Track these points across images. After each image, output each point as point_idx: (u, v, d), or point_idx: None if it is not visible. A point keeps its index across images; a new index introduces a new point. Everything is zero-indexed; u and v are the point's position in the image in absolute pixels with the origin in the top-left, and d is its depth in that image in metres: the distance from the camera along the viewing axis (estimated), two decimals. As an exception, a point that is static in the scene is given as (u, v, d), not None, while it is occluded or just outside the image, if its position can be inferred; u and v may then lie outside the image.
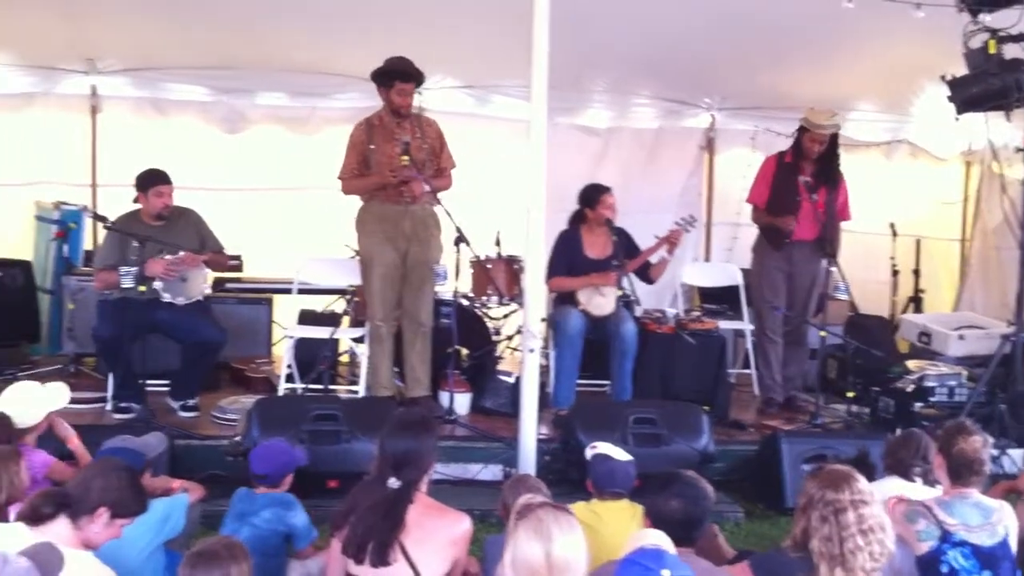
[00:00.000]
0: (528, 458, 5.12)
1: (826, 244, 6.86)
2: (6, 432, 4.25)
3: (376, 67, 6.28)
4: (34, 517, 3.14)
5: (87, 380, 6.73)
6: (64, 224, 7.34)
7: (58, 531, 3.13)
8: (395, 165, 6.19)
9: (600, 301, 6.61)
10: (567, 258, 6.77)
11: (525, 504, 3.00)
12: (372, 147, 6.29)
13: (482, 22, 6.91)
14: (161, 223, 6.20)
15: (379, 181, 6.26)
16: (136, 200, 6.22)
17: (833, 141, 6.97)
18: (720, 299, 8.24)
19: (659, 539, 2.98)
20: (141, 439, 4.38)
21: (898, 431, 4.71)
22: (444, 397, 6.40)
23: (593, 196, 6.80)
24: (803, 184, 6.81)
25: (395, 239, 6.34)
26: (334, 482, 4.98)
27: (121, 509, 3.34)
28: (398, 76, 6.24)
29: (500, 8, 6.11)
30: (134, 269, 5.90)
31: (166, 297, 6.08)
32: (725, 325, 7.37)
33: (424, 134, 6.42)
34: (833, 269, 6.82)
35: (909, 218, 9.28)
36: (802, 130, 6.93)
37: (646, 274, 6.85)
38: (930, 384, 6.58)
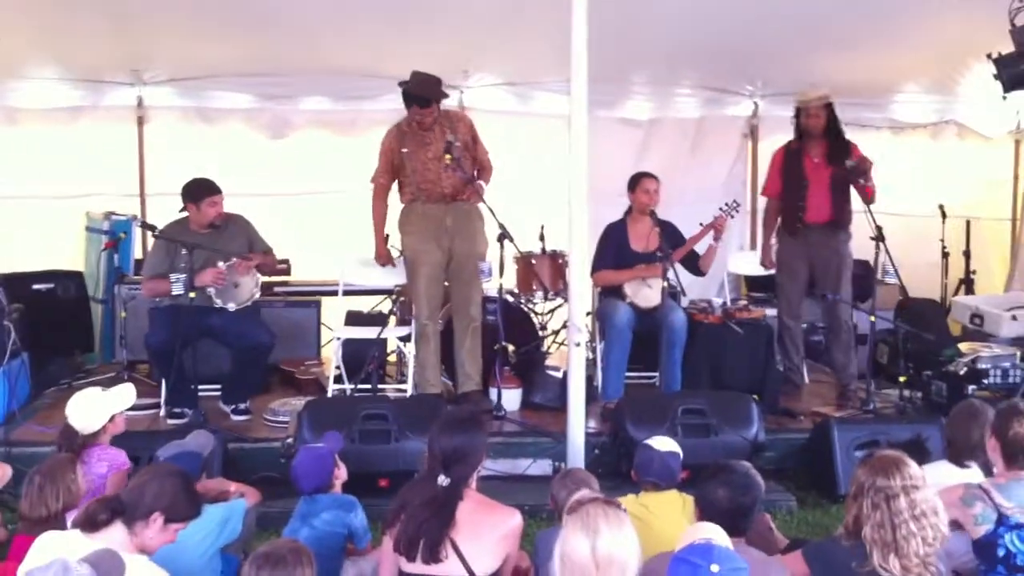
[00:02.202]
0: (577, 452, 5.12)
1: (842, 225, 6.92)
2: (71, 440, 4.36)
3: (404, 80, 6.31)
4: (90, 524, 3.19)
5: (141, 387, 6.75)
6: (114, 234, 7.47)
7: (113, 537, 3.18)
8: (433, 169, 6.27)
9: (647, 293, 6.60)
10: (613, 251, 6.77)
11: (577, 500, 3.01)
12: (405, 151, 6.33)
13: (521, 19, 6.91)
14: (210, 230, 6.28)
15: (378, 240, 6.51)
16: (183, 209, 6.30)
17: (831, 117, 6.95)
18: (767, 287, 8.16)
19: (712, 532, 2.97)
20: (189, 439, 4.44)
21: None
22: (493, 393, 6.42)
23: (633, 181, 6.82)
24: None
25: (439, 236, 6.38)
26: (384, 481, 5.02)
27: (175, 514, 3.37)
28: (416, 102, 6.27)
29: (539, 4, 6.11)
30: (183, 276, 5.98)
31: (218, 303, 6.15)
32: (772, 313, 7.30)
33: (456, 130, 6.43)
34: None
35: (958, 199, 9.15)
36: (797, 114, 7.04)
37: (695, 265, 6.83)
38: (983, 366, 6.50)
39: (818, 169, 6.93)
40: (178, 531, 3.43)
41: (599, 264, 6.70)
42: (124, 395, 4.61)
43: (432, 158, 6.32)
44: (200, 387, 6.18)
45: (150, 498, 3.32)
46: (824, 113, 6.93)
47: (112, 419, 4.51)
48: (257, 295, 6.36)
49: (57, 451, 4.36)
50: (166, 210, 6.66)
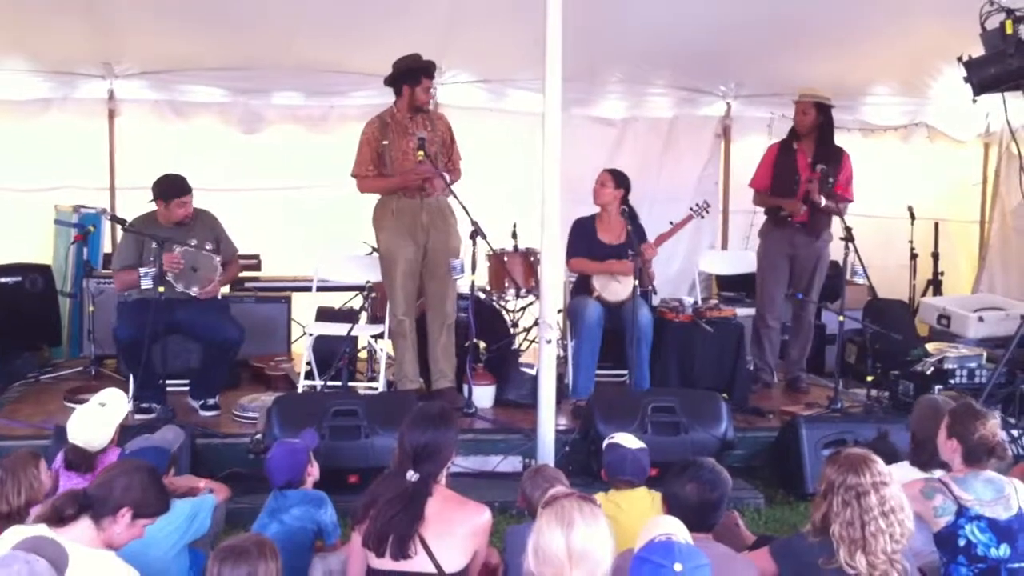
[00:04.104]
0: (547, 449, 5.13)
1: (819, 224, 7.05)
2: (87, 460, 4.30)
3: (393, 67, 6.33)
4: (56, 518, 3.17)
5: (108, 382, 6.76)
6: (83, 227, 7.40)
7: (80, 532, 3.17)
8: (411, 161, 6.24)
9: (616, 287, 6.65)
10: (584, 243, 6.83)
11: (552, 494, 3.02)
12: (386, 143, 6.33)
13: (496, 16, 6.91)
14: (178, 225, 6.26)
15: (400, 183, 6.31)
16: (152, 201, 6.26)
17: (827, 119, 7.06)
18: (738, 286, 8.27)
19: (670, 526, 2.97)
20: (158, 434, 4.42)
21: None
22: (465, 390, 6.42)
23: None
24: (820, 171, 6.88)
25: (414, 232, 6.38)
26: (354, 477, 5.02)
27: (143, 509, 3.35)
28: (424, 73, 6.31)
29: (514, 2, 6.12)
30: (153, 270, 5.94)
31: (179, 287, 6.11)
32: (743, 312, 7.36)
33: (435, 128, 6.48)
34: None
35: (927, 201, 9.24)
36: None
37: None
38: (950, 366, 6.57)
39: (808, 170, 7.01)
40: (146, 526, 3.41)
41: (572, 252, 6.77)
42: (120, 403, 4.55)
43: (413, 150, 6.32)
44: (168, 382, 6.14)
45: (118, 493, 3.30)
46: (813, 111, 7.03)
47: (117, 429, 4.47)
48: (217, 277, 6.31)
49: (72, 470, 4.29)
50: (136, 204, 6.60)
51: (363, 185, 6.45)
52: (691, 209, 6.94)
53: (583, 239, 6.84)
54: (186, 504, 3.88)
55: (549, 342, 5.19)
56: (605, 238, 6.85)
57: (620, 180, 6.85)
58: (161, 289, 5.92)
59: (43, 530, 3.11)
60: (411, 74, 6.31)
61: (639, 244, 6.47)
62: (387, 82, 6.42)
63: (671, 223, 6.89)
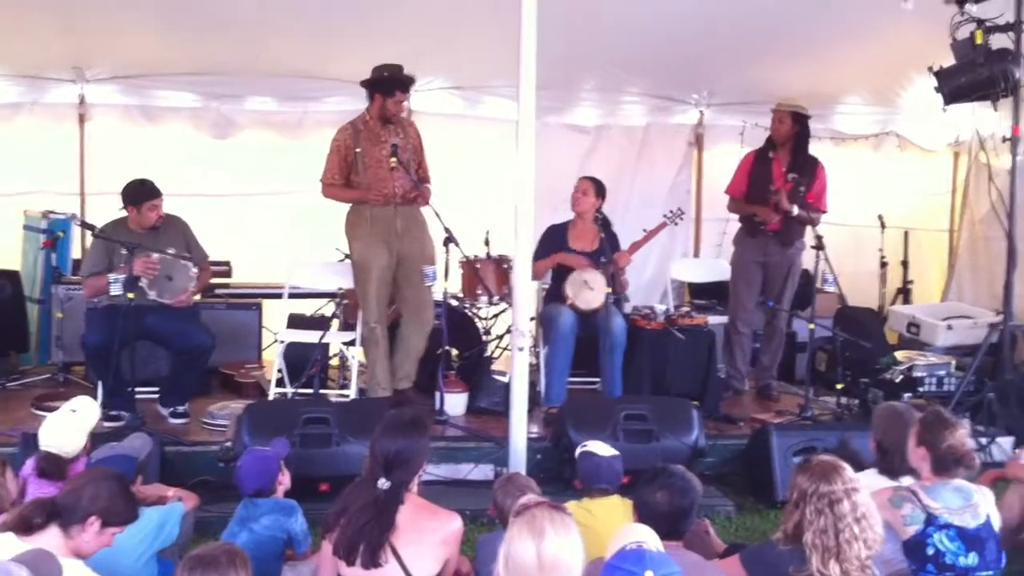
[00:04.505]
0: (519, 457, 5.12)
1: (791, 233, 7.12)
2: (59, 467, 4.23)
3: (372, 72, 6.33)
4: (25, 527, 3.15)
5: (76, 389, 6.71)
6: (52, 233, 7.33)
7: (49, 540, 3.15)
8: (384, 168, 6.25)
9: (588, 295, 6.64)
10: (552, 248, 6.84)
11: (523, 503, 3.02)
12: (359, 151, 6.31)
13: (471, 23, 6.92)
14: (148, 231, 6.21)
15: (361, 197, 6.31)
16: (124, 208, 6.22)
17: (803, 129, 7.12)
18: (710, 294, 8.30)
19: (641, 534, 2.97)
20: (126, 442, 4.38)
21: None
22: (437, 397, 6.41)
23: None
24: (792, 179, 6.92)
25: (389, 240, 6.37)
26: (325, 485, 4.98)
27: (112, 518, 3.34)
28: (399, 86, 6.31)
29: (489, 9, 6.12)
30: (122, 276, 5.90)
31: (152, 295, 6.07)
32: (714, 320, 7.40)
33: (407, 134, 6.49)
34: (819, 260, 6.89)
35: (897, 210, 9.31)
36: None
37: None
38: (919, 374, 6.64)
39: (782, 178, 7.06)
40: (115, 535, 3.39)
41: (536, 257, 6.74)
42: (91, 409, 4.51)
43: (385, 157, 6.31)
44: (138, 389, 6.08)
45: (87, 501, 3.29)
46: (789, 121, 7.08)
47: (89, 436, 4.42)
48: (192, 288, 6.27)
49: (45, 477, 4.22)
50: (106, 209, 6.56)
51: (327, 192, 6.45)
52: (665, 216, 6.99)
53: (553, 246, 6.85)
54: (155, 513, 3.85)
55: (521, 349, 5.19)
56: (577, 245, 6.87)
57: (600, 189, 6.88)
58: (131, 295, 5.87)
59: (13, 539, 3.08)
60: (386, 85, 6.30)
61: (612, 252, 6.48)
62: (363, 85, 6.41)
63: (644, 230, 6.91)
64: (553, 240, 6.89)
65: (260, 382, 6.93)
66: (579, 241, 6.87)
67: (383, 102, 6.31)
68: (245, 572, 3.04)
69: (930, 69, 6.48)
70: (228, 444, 5.34)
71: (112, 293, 5.94)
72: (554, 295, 6.88)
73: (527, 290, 5.60)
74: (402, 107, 6.43)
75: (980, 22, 6.17)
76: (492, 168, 8.12)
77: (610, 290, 6.46)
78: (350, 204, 6.46)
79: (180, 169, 7.73)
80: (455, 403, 6.48)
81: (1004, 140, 6.53)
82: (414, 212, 6.45)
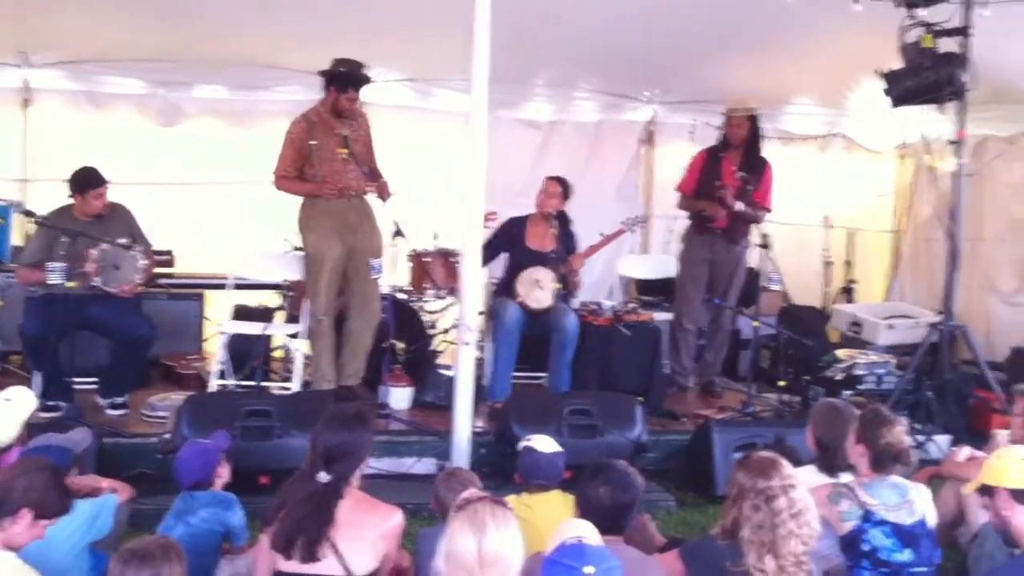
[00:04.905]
0: (462, 451, 5.12)
1: (738, 231, 7.19)
2: None
3: (331, 64, 6.29)
4: (-45, 519, 3.09)
5: (13, 379, 6.57)
6: (-10, 220, 7.20)
7: (-21, 533, 3.09)
8: (339, 160, 6.23)
9: (539, 295, 6.65)
10: (506, 241, 6.84)
11: (465, 498, 3.01)
12: (313, 143, 6.27)
13: (425, 15, 6.88)
14: (93, 218, 6.12)
15: (315, 190, 6.27)
16: (72, 196, 6.13)
17: (754, 129, 7.20)
18: (657, 291, 8.34)
19: (581, 530, 2.98)
20: (65, 435, 4.32)
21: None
22: (382, 391, 6.38)
23: (543, 182, 6.96)
24: (740, 178, 6.96)
25: (342, 232, 6.35)
26: (265, 479, 4.92)
27: (44, 510, 3.29)
28: (354, 84, 6.28)
29: (443, 2, 6.09)
30: (62, 264, 5.80)
31: (96, 281, 5.95)
32: (661, 317, 7.45)
33: (360, 126, 6.47)
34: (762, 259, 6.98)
35: (843, 210, 9.42)
36: (726, 121, 7.27)
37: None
38: (859, 372, 6.75)
39: (732, 177, 7.11)
40: (47, 527, 3.34)
41: (488, 246, 6.68)
42: (27, 399, 4.42)
43: (339, 149, 6.27)
44: (76, 380, 6.01)
45: (19, 493, 3.23)
46: (747, 124, 7.17)
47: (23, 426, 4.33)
48: (137, 279, 6.18)
49: None
50: (50, 197, 6.46)
51: (280, 184, 6.39)
52: (623, 223, 7.08)
53: (507, 241, 6.85)
54: (87, 504, 3.80)
55: (468, 344, 5.18)
56: (534, 244, 6.86)
57: (567, 191, 6.90)
58: (71, 284, 5.77)
59: None
60: (342, 80, 6.27)
61: (566, 253, 6.50)
62: (321, 74, 6.37)
63: (602, 234, 6.95)
64: (509, 235, 6.87)
65: (201, 374, 6.86)
66: (536, 240, 6.85)
67: (336, 97, 6.29)
68: (180, 566, 3.01)
69: (878, 72, 6.56)
70: (167, 436, 5.30)
71: (51, 282, 5.84)
72: (504, 290, 6.87)
73: (475, 284, 5.60)
74: (354, 105, 6.39)
75: (928, 26, 6.26)
76: (443, 161, 8.08)
77: (559, 286, 6.46)
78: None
79: (125, 156, 7.59)
80: (400, 397, 6.47)
81: (949, 143, 6.63)
82: (365, 205, 6.43)
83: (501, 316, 6.61)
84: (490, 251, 6.72)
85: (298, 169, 6.33)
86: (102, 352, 6.31)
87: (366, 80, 6.39)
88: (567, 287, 6.73)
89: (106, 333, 6.17)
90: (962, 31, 6.24)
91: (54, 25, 7.19)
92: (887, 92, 6.53)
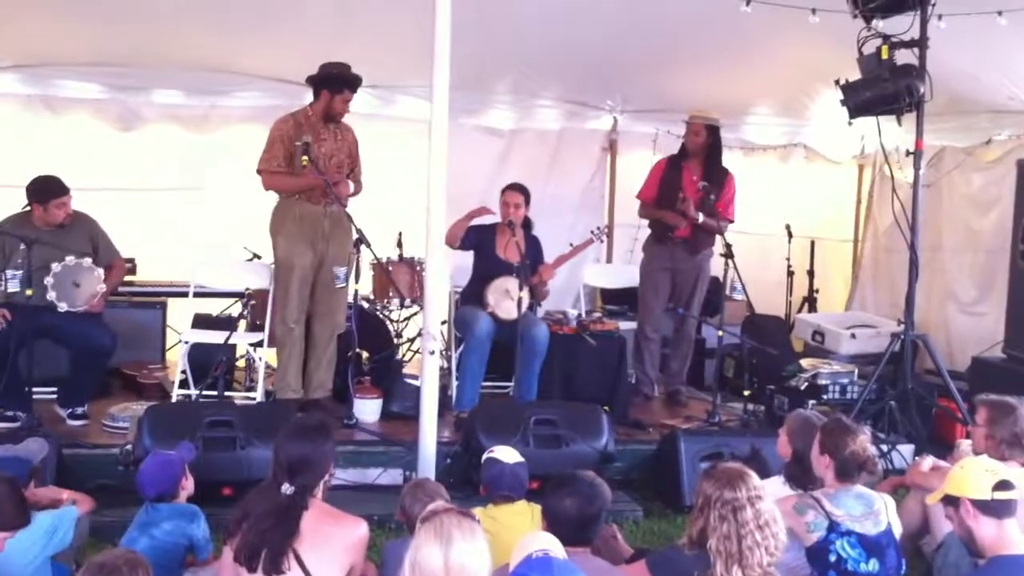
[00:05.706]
0: (428, 462, 5.08)
1: (700, 241, 7.25)
2: None
3: (320, 69, 6.29)
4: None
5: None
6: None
7: (-64, 546, 3.02)
8: (324, 163, 6.20)
9: (509, 305, 6.60)
10: (475, 242, 6.82)
11: (431, 509, 2.98)
12: (299, 144, 6.20)
13: (386, 22, 6.86)
14: (53, 227, 6.03)
15: (307, 184, 6.21)
16: (27, 205, 6.03)
17: (715, 139, 7.25)
18: (621, 300, 8.35)
19: (546, 542, 2.96)
20: (21, 446, 4.24)
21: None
22: (351, 402, 6.32)
23: (502, 192, 6.92)
24: (702, 188, 7.00)
25: (314, 240, 6.32)
26: (228, 490, 4.87)
27: (2, 523, 3.25)
28: (348, 85, 6.28)
29: (403, 8, 6.07)
30: (20, 272, 5.71)
31: (50, 297, 5.86)
32: (626, 326, 7.46)
33: (344, 138, 6.48)
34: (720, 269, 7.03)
35: (804, 220, 9.46)
36: (687, 128, 7.33)
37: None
38: (823, 382, 6.79)
39: (693, 186, 7.13)
40: (5, 540, 3.31)
41: (464, 235, 6.74)
42: None
43: (323, 154, 6.26)
44: (35, 389, 5.90)
45: (-26, 506, 3.16)
46: (704, 133, 7.21)
47: None
48: (100, 290, 6.08)
49: None
50: (5, 203, 6.33)
51: (270, 181, 6.32)
52: (592, 232, 7.12)
53: (476, 239, 6.81)
54: (47, 517, 3.74)
55: (432, 353, 5.15)
56: (503, 254, 6.82)
57: (528, 197, 6.88)
58: (29, 292, 5.68)
59: None
60: (335, 82, 6.27)
61: (535, 259, 6.50)
62: (309, 81, 6.35)
63: (571, 244, 6.96)
64: (481, 237, 6.83)
65: (163, 383, 6.79)
66: (506, 250, 6.80)
67: (331, 99, 6.28)
68: None
69: (837, 82, 6.61)
70: (128, 447, 5.20)
71: (9, 290, 5.77)
72: (472, 298, 6.82)
73: (439, 293, 5.57)
74: (348, 106, 6.38)
75: (886, 38, 6.32)
76: (405, 168, 8.04)
77: (525, 295, 6.44)
78: (278, 200, 6.36)
79: (83, 162, 7.48)
80: (369, 409, 6.37)
81: (908, 154, 6.68)
82: (340, 214, 6.35)
83: (471, 326, 6.57)
84: (463, 242, 6.75)
85: (287, 166, 6.27)
86: (61, 361, 6.22)
87: (359, 81, 6.39)
88: (535, 297, 6.72)
89: (65, 342, 6.08)
90: (919, 43, 6.31)
91: (9, 28, 7.09)
92: (845, 103, 6.60)
